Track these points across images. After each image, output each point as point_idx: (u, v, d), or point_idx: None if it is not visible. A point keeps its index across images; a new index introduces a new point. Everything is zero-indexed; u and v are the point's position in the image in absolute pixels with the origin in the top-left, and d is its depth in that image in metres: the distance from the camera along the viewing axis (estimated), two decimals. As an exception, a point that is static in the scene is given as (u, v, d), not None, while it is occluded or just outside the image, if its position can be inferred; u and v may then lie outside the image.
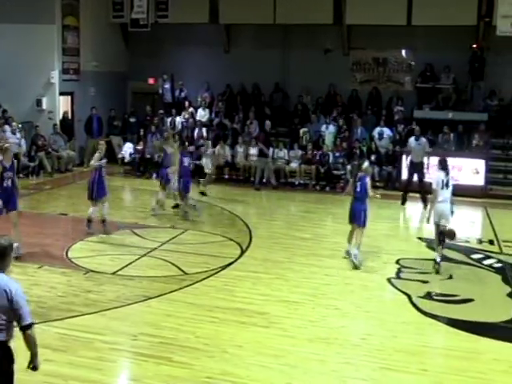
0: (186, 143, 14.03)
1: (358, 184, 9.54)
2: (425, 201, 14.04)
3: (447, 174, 9.64)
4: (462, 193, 14.65)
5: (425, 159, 14.28)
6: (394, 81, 18.61)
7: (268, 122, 17.00)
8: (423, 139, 14.53)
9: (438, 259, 9.39)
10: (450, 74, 17.29)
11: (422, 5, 16.56)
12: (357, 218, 9.56)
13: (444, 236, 9.43)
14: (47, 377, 5.92)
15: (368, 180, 9.63)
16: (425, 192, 13.81)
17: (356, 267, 9.41)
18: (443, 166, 9.73)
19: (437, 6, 16.08)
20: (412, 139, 14.60)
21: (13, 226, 9.19)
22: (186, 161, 12.27)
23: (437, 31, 16.72)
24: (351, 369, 6.40)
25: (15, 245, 7.66)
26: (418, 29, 17.07)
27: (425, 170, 14.26)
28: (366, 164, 9.86)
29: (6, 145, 10.03)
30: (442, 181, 9.48)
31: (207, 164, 14.69)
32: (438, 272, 9.30)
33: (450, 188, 9.51)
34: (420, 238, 11.44)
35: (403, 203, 14.28)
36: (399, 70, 18.56)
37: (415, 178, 14.36)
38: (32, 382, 5.85)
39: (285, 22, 17.91)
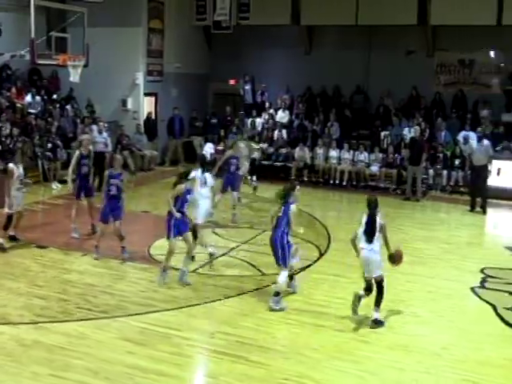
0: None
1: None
2: (484, 208, 13.53)
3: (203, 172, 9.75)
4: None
5: (488, 163, 13.84)
6: (481, 83, 17.94)
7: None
8: (486, 142, 13.94)
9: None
10: (542, 76, 16.54)
11: (513, 4, 15.91)
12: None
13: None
14: (128, 368, 6.10)
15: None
16: (485, 197, 13.57)
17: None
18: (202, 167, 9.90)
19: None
20: (474, 141, 14.06)
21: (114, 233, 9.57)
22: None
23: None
24: (432, 379, 6.21)
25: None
26: (508, 28, 16.38)
27: (487, 175, 13.81)
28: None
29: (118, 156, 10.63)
30: (200, 179, 9.50)
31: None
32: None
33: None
34: (508, 248, 10.93)
35: (472, 210, 13.76)
36: (487, 72, 17.88)
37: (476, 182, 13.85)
38: (114, 372, 6.05)
39: (367, 23, 17.67)
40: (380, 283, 7.35)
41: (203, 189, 9.62)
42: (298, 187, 8.08)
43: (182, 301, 7.95)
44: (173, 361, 6.36)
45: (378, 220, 7.34)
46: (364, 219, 7.39)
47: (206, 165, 10.36)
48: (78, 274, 8.90)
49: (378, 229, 7.30)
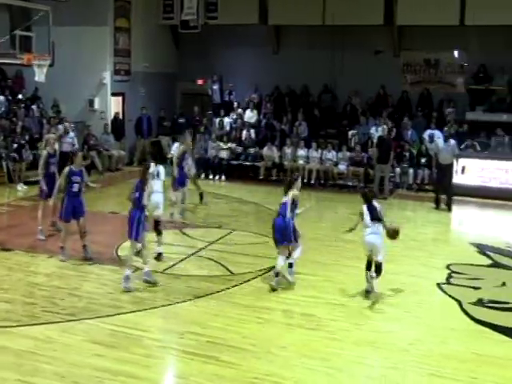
0: None
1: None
2: (449, 205, 13.78)
3: (156, 165, 9.85)
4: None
5: (454, 162, 14.09)
6: (446, 82, 18.27)
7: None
8: (452, 141, 14.22)
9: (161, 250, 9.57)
10: (505, 75, 16.89)
11: (475, 5, 16.20)
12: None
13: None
14: (97, 371, 6.05)
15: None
16: (450, 195, 13.79)
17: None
18: (155, 159, 10.20)
19: (491, 6, 15.71)
20: (441, 140, 14.32)
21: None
22: None
23: (491, 31, 16.33)
24: (398, 374, 6.30)
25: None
26: (471, 29, 16.70)
27: (453, 174, 14.09)
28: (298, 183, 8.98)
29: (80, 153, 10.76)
30: (153, 172, 9.57)
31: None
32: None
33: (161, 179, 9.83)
34: (473, 244, 11.16)
35: (437, 207, 13.99)
36: (451, 72, 18.21)
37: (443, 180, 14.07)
38: (82, 376, 5.99)
39: (334, 23, 17.79)
40: (379, 265, 8.20)
41: (156, 182, 9.56)
42: (299, 179, 9.01)
43: (151, 302, 7.91)
44: (142, 362, 6.33)
45: (377, 205, 8.32)
46: (365, 210, 8.25)
47: (160, 158, 10.31)
48: (44, 277, 8.78)
49: (379, 211, 8.24)
